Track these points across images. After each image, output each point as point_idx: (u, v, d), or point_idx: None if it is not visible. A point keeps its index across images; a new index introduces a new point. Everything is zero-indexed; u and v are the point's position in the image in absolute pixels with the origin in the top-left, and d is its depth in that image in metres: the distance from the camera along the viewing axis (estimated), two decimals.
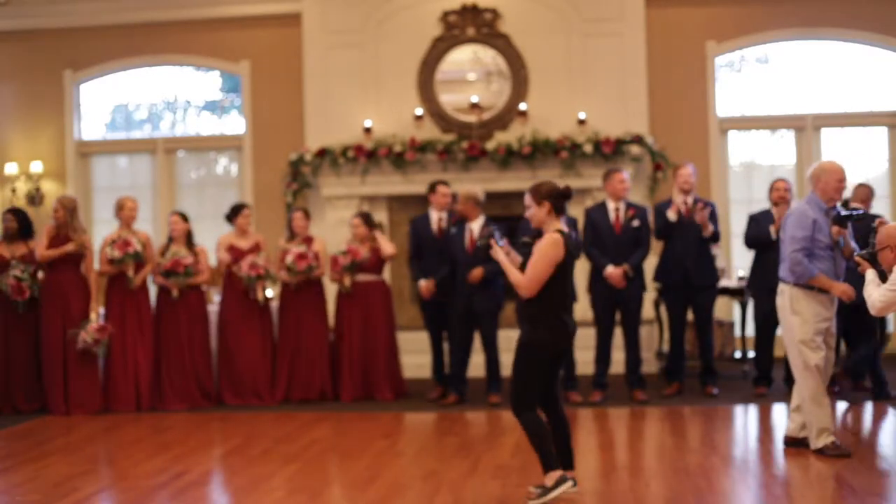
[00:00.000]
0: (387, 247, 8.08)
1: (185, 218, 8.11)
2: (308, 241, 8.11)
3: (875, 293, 4.78)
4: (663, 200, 7.97)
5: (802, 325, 5.65)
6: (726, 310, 9.34)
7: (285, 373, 8.07)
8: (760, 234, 7.62)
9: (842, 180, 5.69)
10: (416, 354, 8.62)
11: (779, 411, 7.07)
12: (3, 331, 7.77)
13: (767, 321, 7.59)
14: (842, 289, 5.64)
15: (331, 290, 8.35)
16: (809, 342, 5.64)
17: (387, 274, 9.38)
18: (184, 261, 7.82)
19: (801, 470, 5.45)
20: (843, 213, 5.64)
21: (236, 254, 8.07)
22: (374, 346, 8.06)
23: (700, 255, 7.64)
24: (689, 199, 7.67)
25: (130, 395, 7.81)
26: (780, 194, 7.59)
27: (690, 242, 7.58)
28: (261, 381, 8.01)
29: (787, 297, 5.72)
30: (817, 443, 5.65)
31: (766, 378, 7.67)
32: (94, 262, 7.92)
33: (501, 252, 5.00)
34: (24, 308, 7.72)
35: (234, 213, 8.23)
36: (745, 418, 7.08)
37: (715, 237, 7.67)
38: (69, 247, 7.68)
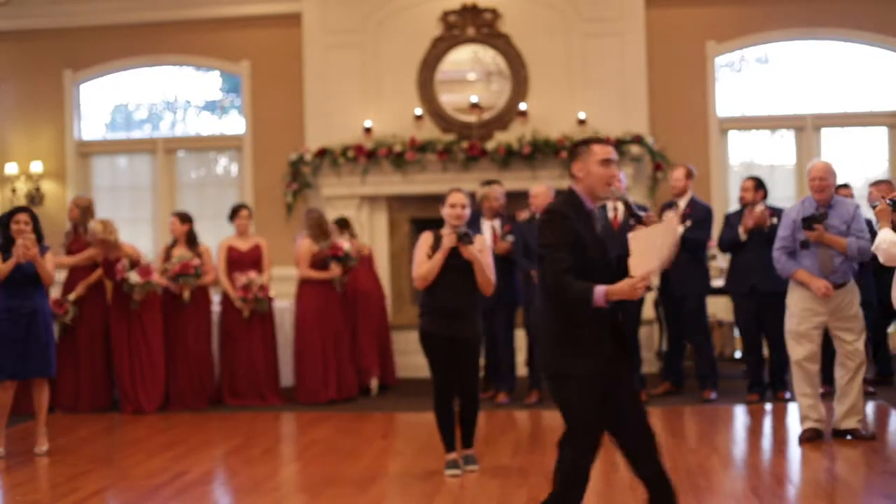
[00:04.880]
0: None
1: (183, 219, 8.08)
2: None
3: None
4: (664, 202, 7.97)
5: (790, 317, 5.97)
6: (726, 310, 9.33)
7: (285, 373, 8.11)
8: (733, 235, 7.48)
9: (814, 179, 5.88)
10: (416, 354, 8.60)
11: (777, 411, 7.08)
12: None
13: (750, 323, 7.49)
14: (817, 284, 5.78)
15: None
16: (794, 334, 5.92)
17: (387, 274, 9.40)
18: (192, 262, 7.82)
19: (802, 469, 5.46)
20: (805, 215, 5.83)
21: (235, 255, 8.08)
22: (362, 340, 8.23)
23: (688, 262, 7.51)
24: (682, 203, 7.64)
25: (140, 395, 7.78)
26: (742, 194, 7.52)
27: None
28: (261, 381, 8.01)
29: (788, 291, 6.02)
30: (800, 426, 6.04)
31: (759, 384, 7.49)
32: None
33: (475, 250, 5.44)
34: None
35: (233, 214, 8.25)
36: (745, 418, 7.07)
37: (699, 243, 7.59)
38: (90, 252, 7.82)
